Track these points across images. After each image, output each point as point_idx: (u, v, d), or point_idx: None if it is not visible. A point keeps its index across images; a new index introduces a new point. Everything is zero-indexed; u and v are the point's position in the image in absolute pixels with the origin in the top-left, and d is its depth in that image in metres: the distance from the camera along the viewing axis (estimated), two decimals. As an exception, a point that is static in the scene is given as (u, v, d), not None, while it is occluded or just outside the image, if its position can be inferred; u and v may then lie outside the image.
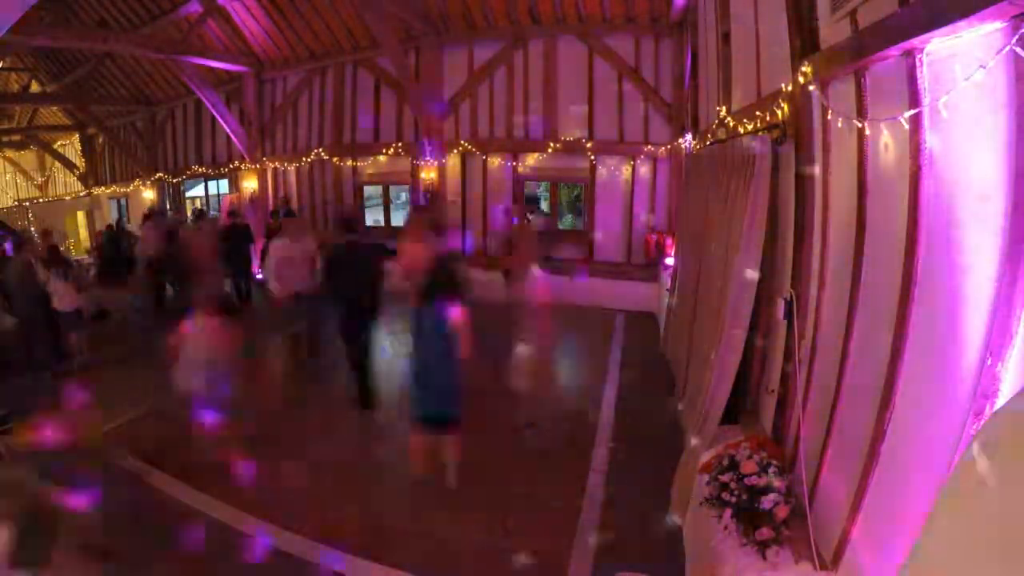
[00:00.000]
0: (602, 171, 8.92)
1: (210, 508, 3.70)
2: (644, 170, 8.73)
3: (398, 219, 11.12)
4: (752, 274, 3.16)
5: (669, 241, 7.66)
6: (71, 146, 16.90)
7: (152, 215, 10.31)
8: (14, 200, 19.34)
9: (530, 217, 9.04)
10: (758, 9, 3.65)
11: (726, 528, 2.49)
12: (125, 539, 3.38)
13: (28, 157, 18.75)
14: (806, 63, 2.61)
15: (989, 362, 1.47)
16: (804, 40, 2.68)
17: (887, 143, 1.98)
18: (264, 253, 7.88)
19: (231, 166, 12.28)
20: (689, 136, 6.99)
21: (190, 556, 3.28)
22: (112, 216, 15.57)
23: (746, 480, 2.48)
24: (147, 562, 3.21)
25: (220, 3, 9.56)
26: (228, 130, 11.31)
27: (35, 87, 14.15)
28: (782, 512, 2.37)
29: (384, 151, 10.00)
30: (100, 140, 15.65)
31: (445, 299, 3.52)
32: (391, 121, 10.11)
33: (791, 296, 2.83)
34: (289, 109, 11.26)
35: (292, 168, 11.44)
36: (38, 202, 18.03)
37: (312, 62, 10.61)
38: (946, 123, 1.62)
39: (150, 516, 3.64)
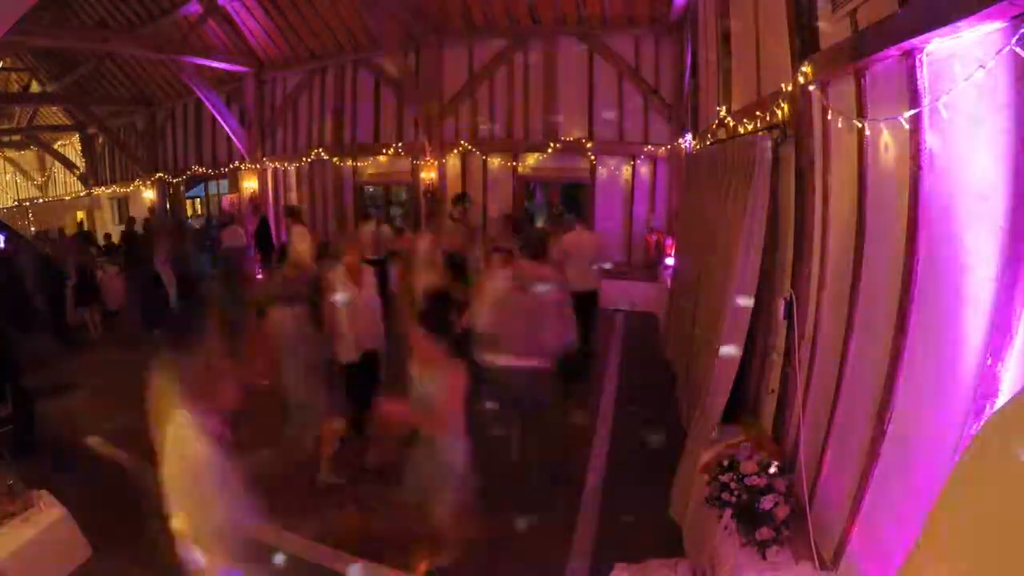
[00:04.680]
0: (602, 171, 8.92)
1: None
2: (644, 170, 8.73)
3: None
4: (752, 274, 3.16)
5: (669, 241, 7.66)
6: (71, 146, 16.89)
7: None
8: (14, 200, 19.35)
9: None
10: (758, 9, 3.65)
11: (726, 528, 2.49)
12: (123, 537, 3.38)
13: (28, 157, 18.75)
14: (806, 63, 2.61)
15: (989, 362, 1.47)
16: (804, 40, 2.69)
17: (887, 143, 1.98)
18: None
19: (231, 166, 12.27)
20: (689, 136, 7.00)
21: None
22: (114, 216, 15.61)
23: (746, 480, 2.48)
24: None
25: (220, 3, 9.55)
26: (228, 130, 11.30)
27: (35, 87, 14.14)
28: (782, 512, 2.37)
29: (384, 151, 10.01)
30: (100, 140, 15.63)
31: None
32: (391, 121, 10.11)
33: (791, 296, 2.83)
34: (289, 109, 11.26)
35: (292, 168, 11.45)
36: (38, 202, 18.05)
37: (312, 62, 10.61)
38: (946, 123, 1.62)
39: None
